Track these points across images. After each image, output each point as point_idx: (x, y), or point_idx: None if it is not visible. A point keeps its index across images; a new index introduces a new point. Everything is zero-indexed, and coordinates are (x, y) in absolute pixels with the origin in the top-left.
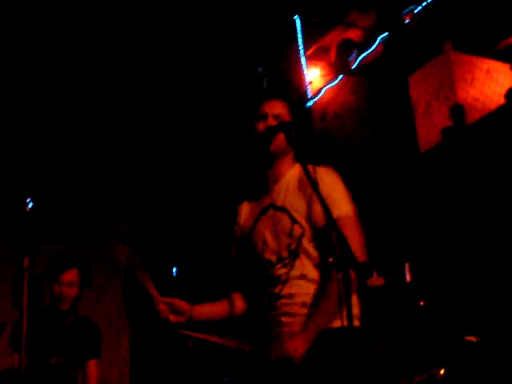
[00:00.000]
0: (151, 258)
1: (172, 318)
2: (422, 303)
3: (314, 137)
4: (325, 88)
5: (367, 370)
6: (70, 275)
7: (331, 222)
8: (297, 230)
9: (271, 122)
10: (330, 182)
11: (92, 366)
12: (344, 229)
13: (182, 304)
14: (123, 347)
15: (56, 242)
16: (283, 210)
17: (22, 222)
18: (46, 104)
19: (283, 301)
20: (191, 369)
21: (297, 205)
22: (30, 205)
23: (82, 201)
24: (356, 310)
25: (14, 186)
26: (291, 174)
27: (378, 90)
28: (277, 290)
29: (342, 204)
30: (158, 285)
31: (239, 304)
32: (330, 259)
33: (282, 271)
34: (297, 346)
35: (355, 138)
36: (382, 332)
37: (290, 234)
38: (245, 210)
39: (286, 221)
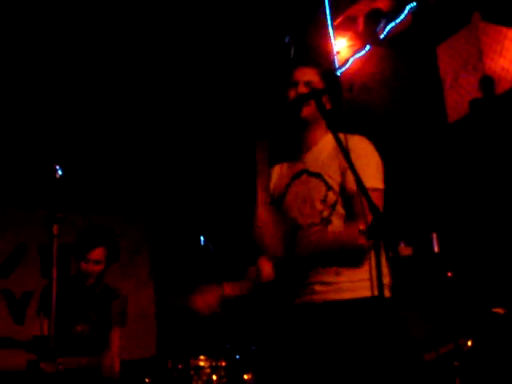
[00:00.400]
0: (178, 227)
1: (206, 311)
2: (449, 274)
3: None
4: (352, 58)
5: (394, 340)
6: (97, 253)
7: (364, 191)
8: (331, 197)
9: (302, 89)
10: (363, 152)
11: (115, 333)
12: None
13: (210, 289)
14: (150, 315)
15: (84, 211)
16: (318, 175)
17: (51, 190)
18: (76, 72)
19: (316, 268)
20: (218, 337)
21: (331, 172)
22: (60, 172)
23: (110, 169)
24: (386, 280)
25: (43, 153)
26: (325, 141)
27: (406, 61)
28: (309, 256)
29: (373, 177)
30: (185, 254)
31: (268, 270)
32: (361, 227)
33: (314, 237)
34: None
35: (382, 109)
36: (409, 302)
37: (324, 201)
38: (275, 174)
39: (320, 187)
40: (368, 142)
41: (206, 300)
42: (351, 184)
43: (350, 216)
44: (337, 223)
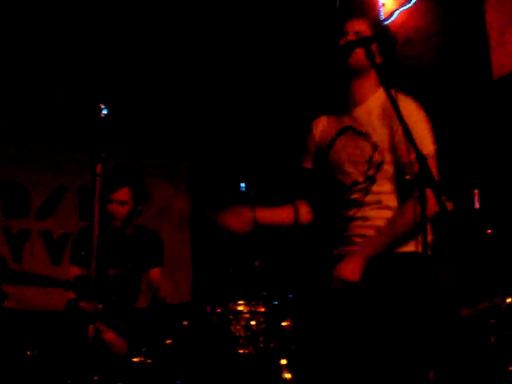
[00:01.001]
0: (219, 173)
1: (237, 227)
2: (489, 231)
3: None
4: (398, 11)
5: (431, 295)
6: (121, 194)
7: (413, 144)
8: (376, 158)
9: (351, 37)
10: (414, 113)
11: (156, 273)
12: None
13: (244, 211)
14: (186, 259)
15: (121, 155)
16: (364, 135)
17: (95, 129)
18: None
19: (357, 223)
20: (255, 284)
21: (379, 132)
22: (105, 111)
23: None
24: (429, 237)
25: (87, 91)
26: (374, 98)
27: (452, 15)
28: (351, 212)
29: (425, 140)
30: (226, 200)
31: (305, 212)
32: (407, 176)
33: (357, 195)
34: (349, 269)
35: (427, 63)
36: (448, 258)
37: (369, 161)
38: (321, 126)
39: (366, 147)
40: (416, 102)
41: (237, 217)
42: (400, 145)
43: (400, 178)
44: (382, 183)
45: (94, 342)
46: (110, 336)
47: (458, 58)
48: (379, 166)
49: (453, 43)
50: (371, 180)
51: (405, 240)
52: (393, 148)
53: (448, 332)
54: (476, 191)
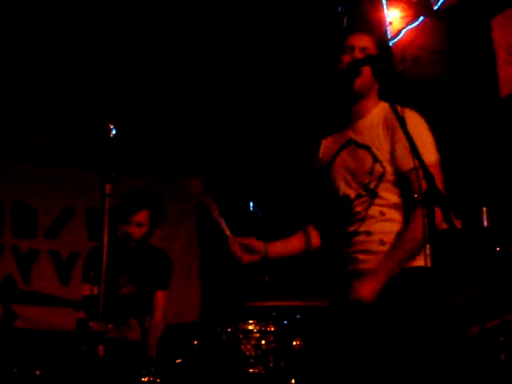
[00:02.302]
0: (227, 192)
1: (245, 258)
2: (498, 249)
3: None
4: (405, 29)
5: (438, 312)
6: (140, 216)
7: (419, 160)
8: (377, 170)
9: (358, 54)
10: (417, 125)
11: (160, 296)
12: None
13: (256, 242)
14: (194, 280)
15: (132, 174)
16: (365, 147)
17: (104, 149)
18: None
19: (360, 238)
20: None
21: (380, 144)
22: (114, 131)
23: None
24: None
25: (97, 111)
26: (376, 112)
27: (459, 33)
28: (354, 226)
29: (428, 150)
30: (234, 220)
31: (315, 238)
32: (416, 195)
33: (359, 208)
34: (367, 290)
35: (434, 81)
36: (456, 275)
37: (371, 173)
38: (325, 143)
39: (367, 159)
40: (420, 116)
41: (248, 249)
42: (402, 156)
43: (401, 188)
44: (384, 195)
45: (103, 361)
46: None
47: (465, 76)
48: (381, 178)
49: (460, 61)
50: (373, 192)
51: (414, 256)
52: (393, 159)
53: (457, 349)
54: (484, 209)
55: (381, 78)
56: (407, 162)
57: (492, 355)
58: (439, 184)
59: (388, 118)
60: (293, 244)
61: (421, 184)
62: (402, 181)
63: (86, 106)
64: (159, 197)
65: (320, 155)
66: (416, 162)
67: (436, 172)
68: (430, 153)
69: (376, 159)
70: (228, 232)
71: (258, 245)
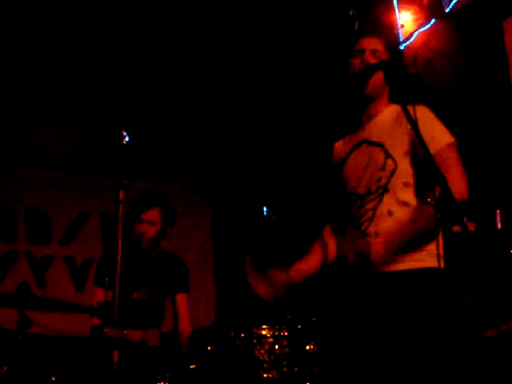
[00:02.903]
0: (241, 197)
1: (265, 295)
2: (511, 251)
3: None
4: (416, 32)
5: (453, 315)
6: (152, 214)
7: (430, 160)
8: (389, 165)
9: (368, 57)
10: (427, 118)
11: (181, 299)
12: (446, 158)
13: (278, 275)
14: (210, 285)
15: (143, 179)
16: (378, 144)
17: (117, 156)
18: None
19: (368, 239)
20: (279, 307)
21: (392, 140)
22: (127, 138)
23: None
24: (442, 251)
25: (110, 118)
26: (387, 112)
27: (471, 35)
28: (363, 226)
29: (443, 135)
30: (248, 225)
31: (331, 248)
32: (429, 199)
33: (369, 206)
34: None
35: (446, 84)
36: (470, 278)
37: (383, 169)
38: (337, 146)
39: (379, 155)
40: (430, 111)
41: (270, 285)
42: (419, 153)
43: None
44: (394, 192)
45: (118, 367)
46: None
47: (477, 78)
48: (392, 173)
49: (472, 63)
50: (384, 188)
51: (423, 240)
52: (407, 155)
53: (470, 352)
54: (498, 211)
55: (392, 81)
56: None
57: (507, 358)
58: (456, 168)
59: (400, 116)
60: (312, 263)
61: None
62: (416, 177)
63: (98, 113)
64: (167, 197)
65: (333, 158)
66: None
67: (452, 154)
68: (444, 137)
69: (388, 155)
70: (248, 268)
71: (280, 276)
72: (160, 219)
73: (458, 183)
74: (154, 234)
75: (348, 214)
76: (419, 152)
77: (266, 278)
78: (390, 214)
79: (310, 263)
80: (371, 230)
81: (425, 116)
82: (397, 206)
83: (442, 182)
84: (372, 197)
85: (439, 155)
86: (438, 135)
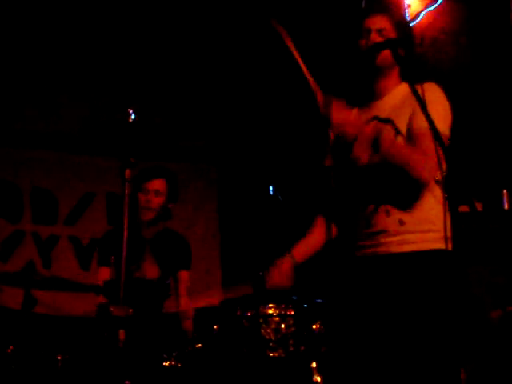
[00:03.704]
0: (247, 176)
1: (284, 284)
2: None
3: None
4: (423, 12)
5: (460, 295)
6: (157, 184)
7: (438, 138)
8: (400, 141)
9: (374, 37)
10: (435, 98)
11: (183, 276)
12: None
13: (284, 262)
14: (215, 266)
15: (150, 159)
16: (387, 121)
17: (123, 134)
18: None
19: (379, 216)
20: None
21: (401, 118)
22: (133, 116)
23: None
24: (450, 233)
25: (115, 97)
26: (397, 91)
27: (478, 15)
28: (374, 204)
29: (441, 122)
30: (254, 204)
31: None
32: (436, 177)
33: (381, 180)
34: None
35: (453, 64)
36: (477, 259)
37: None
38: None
39: (390, 130)
40: (439, 88)
41: (282, 275)
42: (419, 123)
43: None
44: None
45: (124, 346)
46: None
47: (484, 57)
48: None
49: (479, 43)
50: (386, 162)
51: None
52: (410, 128)
53: (478, 332)
54: (505, 192)
55: (401, 60)
56: (422, 128)
57: None
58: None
59: (409, 97)
60: (314, 240)
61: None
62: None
63: (105, 93)
64: (172, 172)
65: (338, 134)
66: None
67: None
68: (441, 124)
69: (398, 131)
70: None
71: (286, 263)
72: (165, 190)
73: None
74: (159, 205)
75: (357, 193)
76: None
77: (275, 270)
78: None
79: (311, 242)
80: (382, 207)
81: (432, 94)
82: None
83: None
84: (384, 171)
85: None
86: (437, 121)
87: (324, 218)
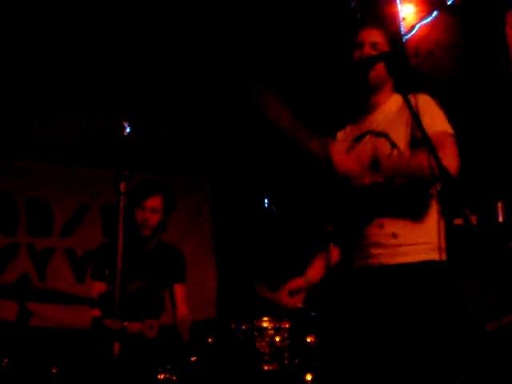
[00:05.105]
0: (241, 189)
1: (295, 303)
2: None
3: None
4: (418, 25)
5: (454, 308)
6: (154, 201)
7: (429, 145)
8: (395, 154)
9: (368, 50)
10: (430, 107)
11: (179, 289)
12: (442, 140)
13: (297, 283)
14: (210, 277)
15: (144, 171)
16: (383, 135)
17: (118, 147)
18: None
19: (373, 230)
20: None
21: (397, 130)
22: (128, 129)
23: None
24: (443, 244)
25: (110, 110)
26: (390, 103)
27: (473, 28)
28: (367, 218)
29: (443, 123)
30: (248, 218)
31: (334, 255)
32: (430, 191)
33: (374, 198)
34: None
35: (448, 76)
36: (471, 271)
37: (389, 158)
38: (340, 137)
39: (385, 145)
40: (432, 99)
41: (293, 297)
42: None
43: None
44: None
45: (119, 359)
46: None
47: (479, 70)
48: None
49: (474, 56)
50: (389, 180)
51: (419, 177)
52: (409, 145)
53: (473, 345)
54: (500, 204)
55: (395, 73)
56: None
57: (508, 351)
58: (454, 157)
59: (403, 108)
60: (315, 271)
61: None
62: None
63: (101, 105)
64: (168, 186)
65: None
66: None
67: (451, 143)
68: (444, 124)
69: (394, 145)
70: (267, 293)
71: (299, 283)
72: (162, 206)
73: (449, 160)
74: (157, 222)
75: (351, 206)
76: (417, 141)
77: (284, 291)
78: (396, 206)
79: (319, 265)
80: (375, 221)
81: (427, 104)
82: (402, 198)
83: (437, 161)
84: (378, 188)
85: (435, 136)
86: (438, 122)
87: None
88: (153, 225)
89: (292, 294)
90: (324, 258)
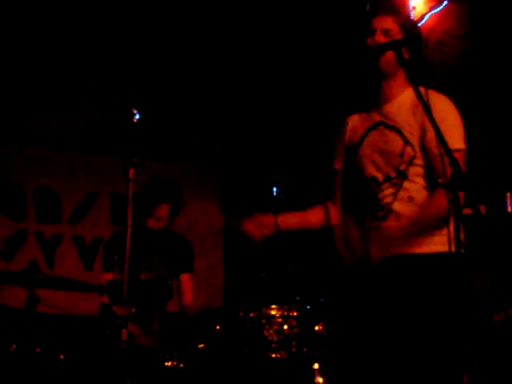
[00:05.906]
0: (251, 177)
1: (257, 235)
2: None
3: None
4: (428, 14)
5: (463, 298)
6: (161, 211)
7: (446, 149)
8: (408, 152)
9: (379, 37)
10: (445, 110)
11: (186, 279)
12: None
13: (265, 218)
14: (218, 266)
15: (153, 159)
16: (395, 129)
17: (128, 134)
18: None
19: (389, 223)
20: (288, 288)
21: (410, 127)
22: (137, 116)
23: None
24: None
25: (120, 96)
26: (405, 95)
27: (483, 18)
28: (382, 211)
29: (455, 136)
30: (257, 206)
31: (334, 214)
32: (440, 180)
33: (388, 191)
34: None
35: (458, 66)
36: (480, 261)
37: (401, 155)
38: (351, 124)
39: (397, 141)
40: (449, 99)
41: (258, 225)
42: (431, 143)
43: (431, 175)
44: (414, 179)
45: (127, 346)
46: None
47: (489, 60)
48: (411, 161)
49: (484, 46)
50: (403, 175)
51: (434, 226)
52: (423, 145)
53: (481, 335)
54: (508, 194)
55: (405, 62)
56: (434, 146)
57: None
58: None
59: (416, 104)
60: (308, 217)
61: (446, 169)
62: (428, 166)
63: (110, 92)
64: (177, 185)
65: (347, 134)
66: (444, 148)
67: (460, 159)
68: (456, 139)
69: (407, 142)
70: (233, 219)
71: (268, 218)
72: (168, 213)
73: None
74: (162, 227)
75: (363, 199)
76: (428, 140)
77: (253, 221)
78: (411, 199)
79: (306, 216)
80: (391, 214)
81: (440, 104)
82: (416, 193)
83: (455, 165)
84: (392, 182)
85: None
86: (452, 137)
87: (325, 206)
88: (158, 230)
89: (257, 226)
90: (308, 213)
